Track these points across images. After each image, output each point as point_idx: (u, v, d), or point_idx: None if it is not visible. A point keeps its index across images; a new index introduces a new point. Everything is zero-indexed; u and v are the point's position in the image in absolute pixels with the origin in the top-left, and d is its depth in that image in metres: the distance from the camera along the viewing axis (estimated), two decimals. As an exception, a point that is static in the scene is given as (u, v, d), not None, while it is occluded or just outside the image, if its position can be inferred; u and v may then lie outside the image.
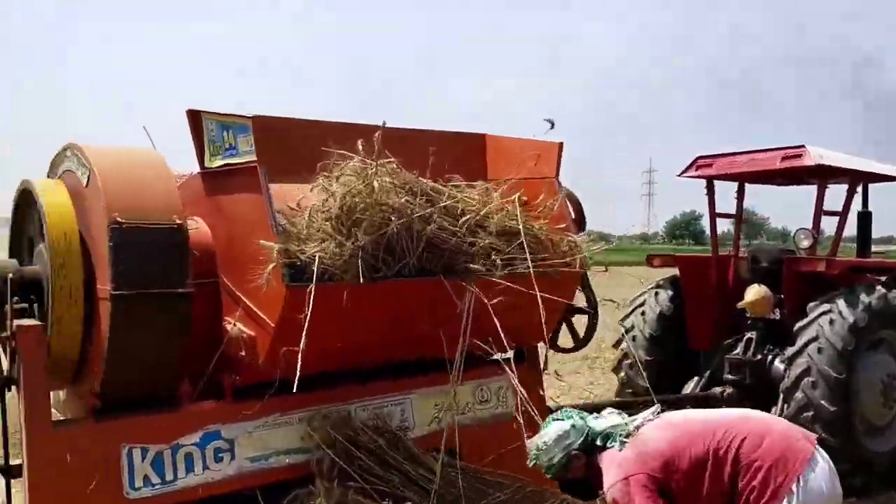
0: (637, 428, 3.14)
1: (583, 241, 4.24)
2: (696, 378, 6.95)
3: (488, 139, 4.85)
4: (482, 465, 3.91)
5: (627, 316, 7.13)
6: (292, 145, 3.64)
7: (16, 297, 3.34)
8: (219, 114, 3.73)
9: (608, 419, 3.26)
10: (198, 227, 3.93)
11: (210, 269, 3.77)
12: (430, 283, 3.60)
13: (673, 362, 6.97)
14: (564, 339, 5.00)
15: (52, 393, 3.47)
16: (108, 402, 3.37)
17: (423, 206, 3.53)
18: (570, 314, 4.78)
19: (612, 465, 3.07)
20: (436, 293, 3.62)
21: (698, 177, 7.00)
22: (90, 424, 3.35)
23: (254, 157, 3.44)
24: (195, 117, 3.87)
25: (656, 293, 7.11)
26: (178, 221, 3.37)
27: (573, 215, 4.57)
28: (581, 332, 4.97)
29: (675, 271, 7.09)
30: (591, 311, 4.79)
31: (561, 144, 4.42)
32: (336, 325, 3.52)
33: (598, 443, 3.18)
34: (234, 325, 3.62)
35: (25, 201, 3.66)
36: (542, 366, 4.64)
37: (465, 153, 4.62)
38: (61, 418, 3.49)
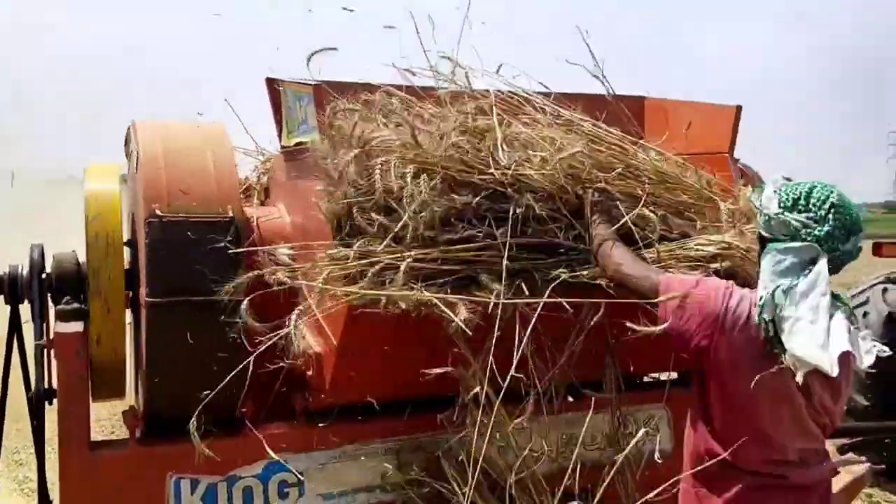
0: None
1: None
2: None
3: (647, 102, 3.88)
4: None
5: (845, 318, 5.79)
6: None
7: (67, 297, 2.96)
8: (295, 82, 3.11)
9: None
10: (280, 217, 3.38)
11: (290, 265, 3.18)
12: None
13: (905, 377, 5.57)
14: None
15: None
16: (154, 423, 2.91)
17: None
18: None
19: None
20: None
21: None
22: (133, 448, 2.91)
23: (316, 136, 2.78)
24: (273, 86, 3.29)
25: (885, 290, 5.71)
26: (230, 214, 2.80)
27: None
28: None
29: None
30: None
31: (739, 108, 3.37)
32: (421, 343, 2.80)
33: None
34: (304, 337, 3.02)
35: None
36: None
37: (616, 119, 3.68)
38: (102, 439, 3.08)
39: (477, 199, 2.59)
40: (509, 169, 2.60)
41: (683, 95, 3.82)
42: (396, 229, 2.53)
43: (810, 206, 2.08)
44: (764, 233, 2.16)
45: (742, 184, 3.31)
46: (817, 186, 2.11)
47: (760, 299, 2.06)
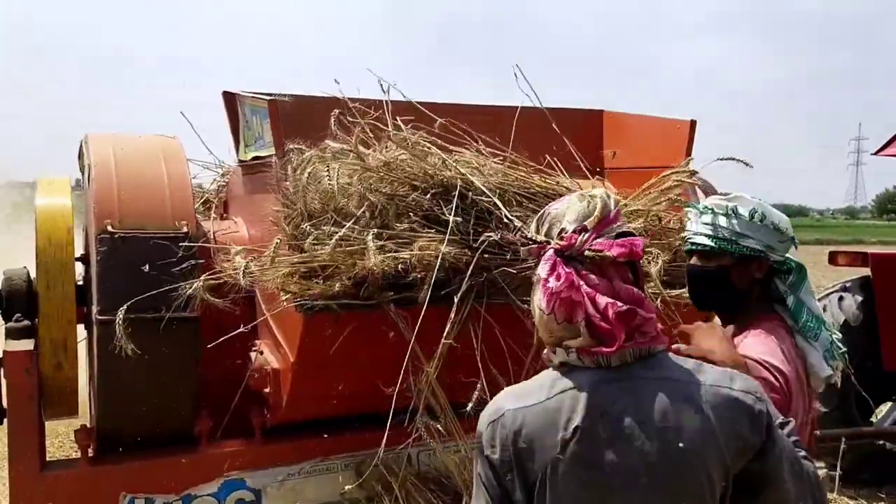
0: None
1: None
2: (890, 404, 5.79)
3: (606, 116, 3.92)
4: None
5: (802, 326, 5.89)
6: (323, 133, 2.89)
7: (17, 314, 2.89)
8: (252, 95, 3.09)
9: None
10: (238, 231, 3.35)
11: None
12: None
13: (861, 384, 5.65)
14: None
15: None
16: (106, 442, 2.86)
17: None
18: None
19: (770, 339, 2.03)
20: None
21: (901, 155, 5.60)
22: (85, 467, 2.85)
23: (272, 151, 2.76)
24: (230, 100, 3.27)
25: (840, 298, 5.79)
26: (184, 229, 2.77)
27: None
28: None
29: (866, 272, 5.74)
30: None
31: (693, 123, 3.41)
32: (377, 356, 2.79)
33: (791, 302, 2.10)
34: (261, 353, 2.99)
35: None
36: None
37: (576, 134, 3.71)
38: (55, 458, 3.02)
39: (427, 196, 2.58)
40: (458, 173, 2.61)
41: (648, 108, 3.87)
42: (355, 217, 2.51)
43: (781, 223, 2.08)
44: (778, 256, 2.08)
45: (696, 200, 3.35)
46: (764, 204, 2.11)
47: (831, 344, 2.08)
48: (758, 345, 1.99)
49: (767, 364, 1.92)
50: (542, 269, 1.49)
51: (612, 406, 1.45)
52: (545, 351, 1.56)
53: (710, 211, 2.07)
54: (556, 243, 1.49)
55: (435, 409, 2.68)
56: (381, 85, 2.80)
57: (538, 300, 1.50)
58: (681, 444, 1.43)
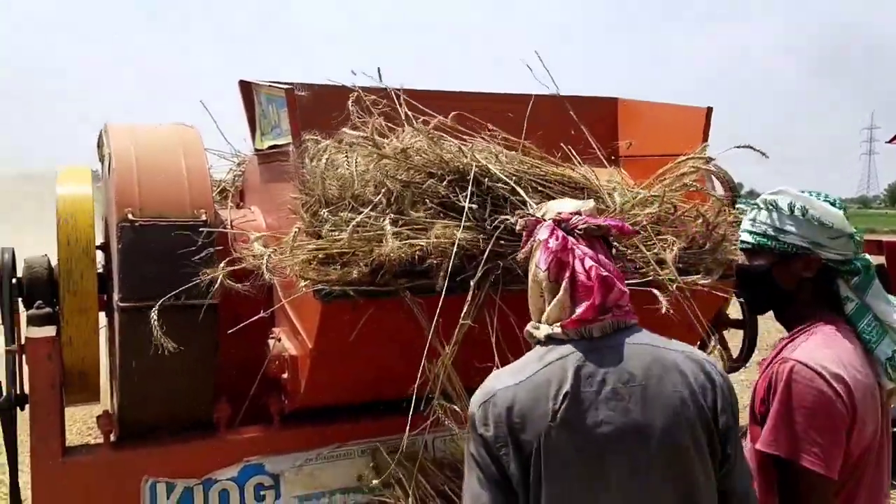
0: None
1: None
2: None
3: (621, 104, 3.93)
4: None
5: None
6: (339, 121, 2.91)
7: (39, 301, 2.94)
8: (268, 84, 3.11)
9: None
10: (255, 220, 3.38)
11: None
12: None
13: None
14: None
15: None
16: (127, 428, 2.90)
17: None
18: (722, 326, 3.78)
19: (831, 342, 1.88)
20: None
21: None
22: (107, 453, 2.89)
23: (289, 139, 2.78)
24: (247, 89, 3.29)
25: None
26: (203, 217, 2.80)
27: (724, 198, 3.51)
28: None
29: (881, 260, 5.72)
30: (747, 324, 3.74)
31: (709, 110, 3.41)
32: (394, 342, 2.81)
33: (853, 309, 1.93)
34: (279, 340, 3.02)
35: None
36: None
37: (591, 122, 3.71)
38: (76, 444, 3.06)
39: (443, 182, 2.60)
40: (474, 160, 2.63)
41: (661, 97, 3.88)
42: (372, 204, 2.53)
43: (827, 217, 1.91)
44: (837, 255, 1.92)
45: (712, 187, 3.36)
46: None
47: (893, 354, 1.89)
48: (814, 350, 1.84)
49: (824, 372, 1.77)
50: (543, 233, 1.73)
51: (598, 370, 1.59)
52: (527, 328, 1.76)
53: (755, 206, 1.98)
54: (556, 216, 1.74)
55: (451, 394, 2.70)
56: (379, 73, 2.80)
57: (537, 260, 1.71)
58: (665, 402, 1.57)
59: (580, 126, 3.42)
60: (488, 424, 1.59)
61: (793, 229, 1.90)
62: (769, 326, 4.02)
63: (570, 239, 1.69)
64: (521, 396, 1.58)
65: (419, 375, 2.57)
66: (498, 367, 2.56)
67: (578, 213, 1.73)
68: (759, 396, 1.91)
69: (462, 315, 2.49)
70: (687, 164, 3.02)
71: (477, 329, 2.53)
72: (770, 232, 1.93)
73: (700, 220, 3.01)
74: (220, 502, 2.94)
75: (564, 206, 1.78)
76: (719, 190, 3.42)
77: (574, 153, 3.31)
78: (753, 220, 1.98)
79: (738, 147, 2.84)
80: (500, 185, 2.62)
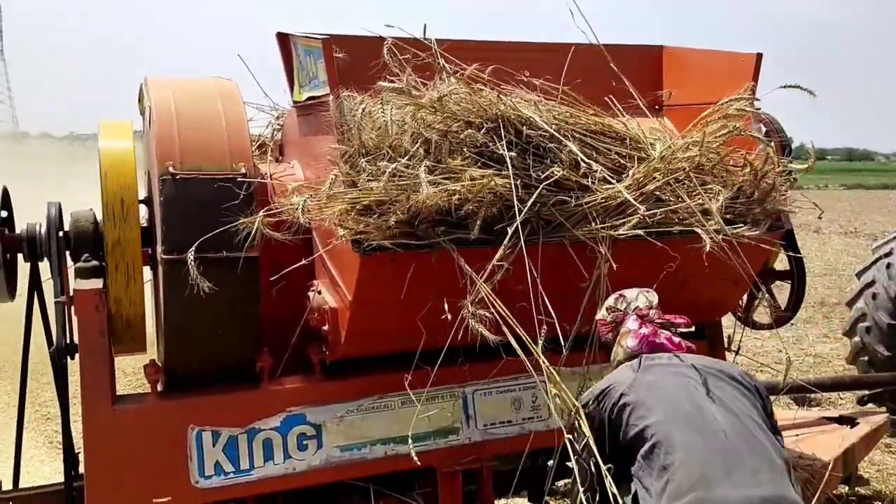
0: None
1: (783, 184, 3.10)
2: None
3: (666, 52, 3.81)
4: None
5: (867, 268, 5.72)
6: (376, 71, 2.87)
7: (85, 254, 2.99)
8: (305, 36, 3.08)
9: None
10: (294, 174, 3.38)
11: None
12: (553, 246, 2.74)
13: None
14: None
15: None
16: (173, 378, 2.96)
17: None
18: (770, 279, 3.69)
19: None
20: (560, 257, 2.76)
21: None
22: (154, 401, 2.95)
23: (327, 90, 2.76)
24: (284, 42, 3.26)
25: (888, 265, 5.60)
26: (242, 170, 2.80)
27: (772, 147, 3.39)
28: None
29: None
30: (796, 277, 3.64)
31: (759, 56, 3.29)
32: (434, 293, 2.79)
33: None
34: (319, 292, 3.04)
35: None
36: (727, 344, 3.64)
37: (634, 71, 3.61)
38: (125, 393, 3.13)
39: (481, 131, 2.56)
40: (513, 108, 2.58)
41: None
42: (410, 153, 2.51)
43: None
44: None
45: (763, 133, 3.26)
46: None
47: None
48: None
49: None
50: (633, 324, 2.51)
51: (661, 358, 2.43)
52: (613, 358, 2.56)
53: None
54: (636, 310, 2.54)
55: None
56: (424, 29, 2.75)
57: (626, 344, 2.49)
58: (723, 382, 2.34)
59: (620, 76, 3.34)
60: (604, 407, 2.38)
61: None
62: (815, 282, 3.91)
63: (654, 327, 2.48)
64: (623, 389, 2.37)
65: (458, 323, 2.54)
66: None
67: (651, 306, 2.54)
68: None
69: (496, 257, 2.46)
70: (731, 106, 2.92)
71: (514, 277, 2.51)
72: None
73: (748, 169, 2.92)
74: (265, 451, 2.99)
75: (637, 299, 2.55)
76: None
77: (616, 103, 3.23)
78: None
79: (785, 87, 2.74)
80: (540, 133, 2.57)
